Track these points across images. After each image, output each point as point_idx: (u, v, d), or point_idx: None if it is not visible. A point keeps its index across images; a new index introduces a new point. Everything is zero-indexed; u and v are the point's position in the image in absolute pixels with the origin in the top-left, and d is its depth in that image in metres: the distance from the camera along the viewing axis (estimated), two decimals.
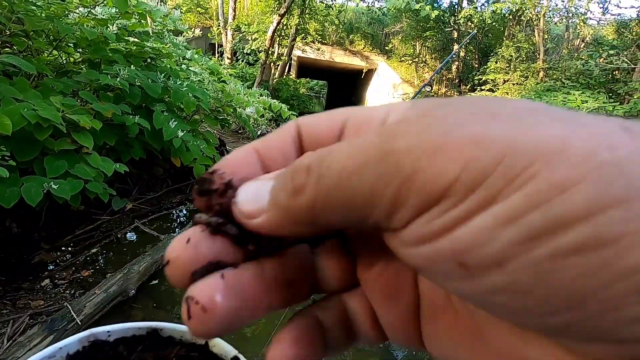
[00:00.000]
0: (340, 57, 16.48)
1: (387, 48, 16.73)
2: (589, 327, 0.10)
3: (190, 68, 3.88)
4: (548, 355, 0.12)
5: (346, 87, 22.40)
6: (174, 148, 2.81)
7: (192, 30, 9.09)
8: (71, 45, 2.78)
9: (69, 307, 1.75)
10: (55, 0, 2.43)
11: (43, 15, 2.38)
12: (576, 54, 9.68)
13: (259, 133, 6.49)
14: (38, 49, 2.54)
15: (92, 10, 2.69)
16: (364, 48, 17.33)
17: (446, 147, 0.11)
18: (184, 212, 3.33)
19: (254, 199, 0.16)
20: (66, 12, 2.58)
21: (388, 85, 15.51)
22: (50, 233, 2.48)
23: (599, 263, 0.09)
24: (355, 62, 16.76)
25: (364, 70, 16.87)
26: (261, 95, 5.71)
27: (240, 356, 0.21)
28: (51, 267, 2.25)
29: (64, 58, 2.86)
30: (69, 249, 2.47)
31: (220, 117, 4.02)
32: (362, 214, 0.13)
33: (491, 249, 0.10)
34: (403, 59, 15.53)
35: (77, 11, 2.66)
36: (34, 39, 2.43)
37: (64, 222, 2.58)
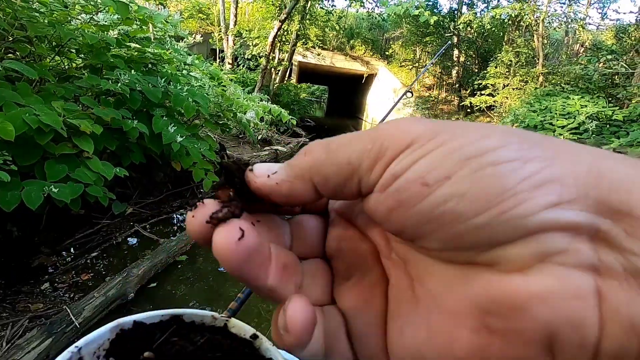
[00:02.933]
0: (341, 62, 16.55)
1: (387, 53, 16.80)
2: (507, 221, 0.14)
3: (191, 73, 3.91)
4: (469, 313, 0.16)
5: (347, 92, 22.46)
6: (173, 152, 2.83)
7: (194, 36, 9.17)
8: (73, 51, 2.82)
9: (68, 310, 1.75)
10: (58, 6, 2.47)
11: (46, 21, 2.41)
12: (575, 59, 9.71)
13: (259, 138, 6.51)
14: (40, 54, 2.58)
15: (94, 17, 2.72)
16: (364, 53, 17.41)
17: (410, 120, 0.18)
18: (184, 216, 3.34)
19: (267, 168, 0.20)
20: (69, 19, 2.62)
21: (389, 90, 15.56)
22: (51, 237, 2.49)
23: (508, 171, 0.15)
24: (356, 67, 16.83)
25: (365, 75, 16.94)
26: (261, 100, 5.74)
27: (259, 333, 0.22)
28: (51, 270, 2.26)
29: (66, 64, 2.89)
30: (69, 252, 2.48)
31: (221, 122, 4.04)
32: (352, 169, 0.18)
33: (443, 168, 0.16)
34: (403, 64, 15.59)
35: (79, 17, 2.70)
36: (37, 45, 2.46)
37: (64, 226, 2.60)
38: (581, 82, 7.98)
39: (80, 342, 0.18)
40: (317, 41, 12.75)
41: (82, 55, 2.89)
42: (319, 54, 14.36)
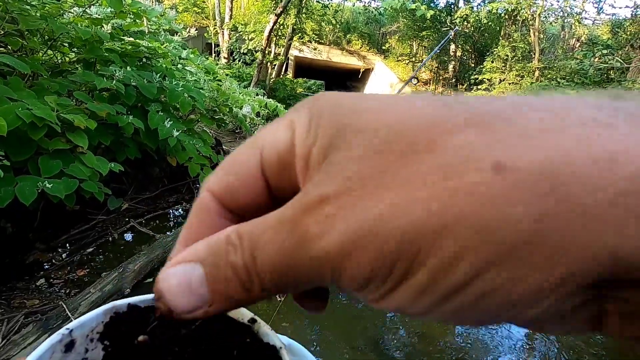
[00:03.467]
0: (338, 57, 16.50)
1: (384, 48, 16.77)
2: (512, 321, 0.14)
3: (186, 68, 3.88)
4: None
5: (344, 87, 22.41)
6: (169, 147, 2.81)
7: (188, 30, 9.08)
8: (66, 44, 2.78)
9: (64, 306, 1.75)
10: None
11: (37, 14, 2.37)
12: (571, 54, 9.74)
13: (255, 132, 6.49)
14: (32, 48, 2.54)
15: (86, 10, 2.68)
16: (361, 48, 17.35)
17: (355, 252, 0.14)
18: (180, 211, 3.33)
19: (187, 293, 0.16)
20: (61, 12, 2.57)
21: (385, 85, 15.54)
22: (46, 233, 2.47)
23: (489, 306, 0.13)
24: (353, 61, 16.78)
25: (361, 70, 16.90)
26: (257, 94, 5.72)
27: (257, 318, 0.22)
28: (46, 266, 2.25)
29: (58, 58, 2.85)
30: (65, 248, 2.47)
31: (217, 117, 4.02)
32: (313, 285, 0.16)
33: (417, 308, 0.15)
34: (400, 58, 15.57)
35: (71, 11, 2.66)
36: (29, 39, 2.42)
37: (59, 222, 2.58)
38: (577, 76, 8.01)
39: (72, 324, 0.18)
40: (313, 35, 12.68)
41: (75, 50, 2.85)
42: (315, 49, 14.29)
